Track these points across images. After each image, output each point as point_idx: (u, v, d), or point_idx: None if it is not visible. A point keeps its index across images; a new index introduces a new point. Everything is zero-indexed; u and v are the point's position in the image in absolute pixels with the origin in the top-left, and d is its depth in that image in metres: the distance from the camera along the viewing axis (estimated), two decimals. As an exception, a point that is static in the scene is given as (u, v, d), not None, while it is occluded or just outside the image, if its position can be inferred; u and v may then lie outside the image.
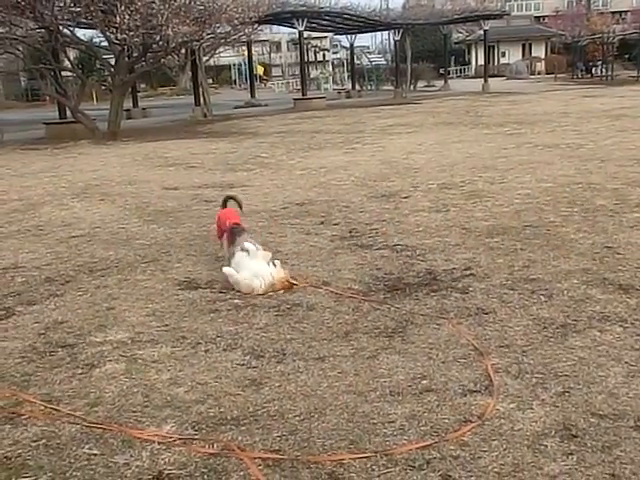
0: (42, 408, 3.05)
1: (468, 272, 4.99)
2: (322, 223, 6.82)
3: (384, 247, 5.79)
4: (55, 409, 3.05)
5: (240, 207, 5.91)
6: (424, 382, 3.26)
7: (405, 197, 7.92)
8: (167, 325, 4.10)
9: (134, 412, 3.02)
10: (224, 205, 5.87)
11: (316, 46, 64.69)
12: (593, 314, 4.03)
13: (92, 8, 16.72)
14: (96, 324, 4.16)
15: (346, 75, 53.56)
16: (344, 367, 3.47)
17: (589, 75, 50.83)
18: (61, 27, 17.95)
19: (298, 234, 6.41)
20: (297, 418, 2.96)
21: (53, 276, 5.30)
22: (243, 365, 3.51)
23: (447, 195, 7.91)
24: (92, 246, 6.26)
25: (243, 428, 2.87)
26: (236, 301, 4.54)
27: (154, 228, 6.88)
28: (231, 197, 6.02)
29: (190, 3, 17.02)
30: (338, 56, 66.33)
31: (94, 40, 25.71)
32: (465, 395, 3.12)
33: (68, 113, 20.01)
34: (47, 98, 36.35)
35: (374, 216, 7.01)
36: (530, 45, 67.07)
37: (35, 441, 2.80)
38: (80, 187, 9.86)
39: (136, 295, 4.72)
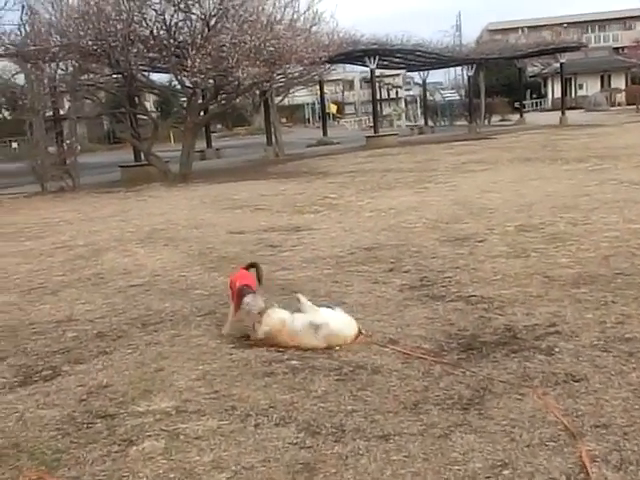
0: (68, 496, 2.72)
1: (553, 329, 4.45)
2: (391, 270, 6.39)
3: (458, 298, 5.30)
4: (82, 498, 2.72)
5: (259, 280, 5.11)
6: (505, 472, 2.77)
7: (480, 241, 7.40)
8: (217, 392, 3.74)
9: (168, 504, 2.65)
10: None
11: (389, 83, 64.85)
12: None
13: (165, 53, 17.03)
14: (141, 389, 3.84)
15: (419, 111, 53.20)
16: (411, 449, 3.01)
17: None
18: (136, 72, 18.34)
19: (365, 283, 5.99)
20: (354, 517, 2.52)
21: (105, 331, 5.05)
22: (296, 444, 3.09)
23: (526, 238, 7.34)
24: (149, 297, 6.01)
25: (290, 530, 2.46)
26: (294, 362, 4.14)
27: (215, 276, 6.59)
28: (253, 265, 5.23)
29: (260, 45, 17.07)
30: (411, 93, 66.18)
31: (171, 84, 26.31)
32: (556, 492, 2.61)
33: (143, 155, 20.38)
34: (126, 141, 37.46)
35: (447, 262, 6.52)
36: (609, 76, 65.19)
37: (54, 539, 2.47)
38: (146, 232, 9.76)
39: (187, 354, 4.40)
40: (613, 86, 64.06)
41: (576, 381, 3.63)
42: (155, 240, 9.02)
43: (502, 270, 6.04)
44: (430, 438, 3.11)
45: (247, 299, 4.52)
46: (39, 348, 4.77)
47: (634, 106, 47.97)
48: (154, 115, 22.01)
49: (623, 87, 63.25)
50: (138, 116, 21.32)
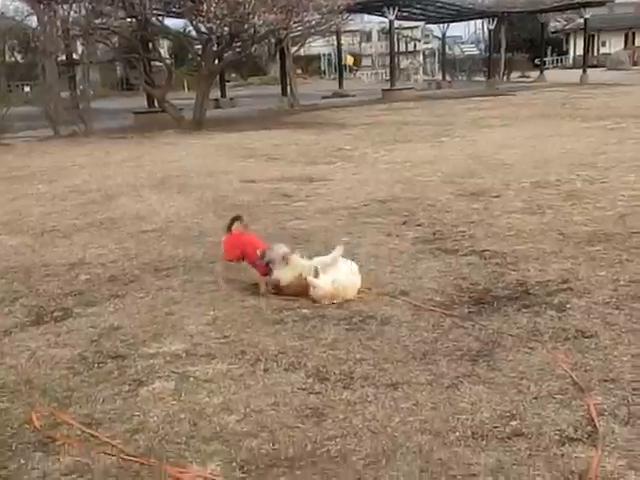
0: (79, 433, 2.74)
1: (565, 286, 4.42)
2: (404, 223, 6.35)
3: (471, 253, 5.26)
4: (93, 435, 2.75)
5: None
6: (513, 423, 2.78)
7: (495, 196, 7.32)
8: (227, 337, 3.76)
9: (178, 444, 2.68)
10: (230, 227, 4.92)
11: (407, 36, 63.53)
12: None
13: (181, -3, 16.72)
14: (152, 332, 3.86)
15: (437, 66, 52.27)
16: (419, 398, 3.02)
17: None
18: (150, 16, 18.04)
19: (378, 235, 5.96)
20: (362, 462, 2.54)
21: (117, 275, 5.07)
22: (305, 390, 3.11)
23: (542, 195, 7.26)
24: (162, 242, 6.02)
25: (298, 472, 2.48)
26: (304, 311, 4.15)
27: (228, 224, 6.57)
28: (237, 218, 4.95)
29: (278, -9, 16.72)
30: (429, 46, 64.91)
31: (186, 30, 25.92)
32: (563, 444, 2.61)
33: (156, 102, 20.20)
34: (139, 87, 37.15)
35: (461, 217, 6.47)
36: (634, 34, 63.61)
37: (65, 474, 2.50)
38: (159, 178, 9.72)
39: (199, 300, 4.41)
40: (637, 44, 62.56)
41: (586, 337, 3.62)
42: (168, 187, 9.00)
43: (517, 226, 5.98)
44: (439, 388, 3.11)
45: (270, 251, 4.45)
46: (51, 290, 4.80)
47: (657, 65, 46.96)
48: (168, 62, 21.69)
49: (647, 45, 61.77)
50: (152, 63, 21.06)
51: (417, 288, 4.51)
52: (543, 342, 3.57)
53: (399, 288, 4.50)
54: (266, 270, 4.45)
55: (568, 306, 4.06)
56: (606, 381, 3.10)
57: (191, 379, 3.24)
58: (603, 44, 63.35)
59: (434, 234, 5.89)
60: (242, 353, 3.53)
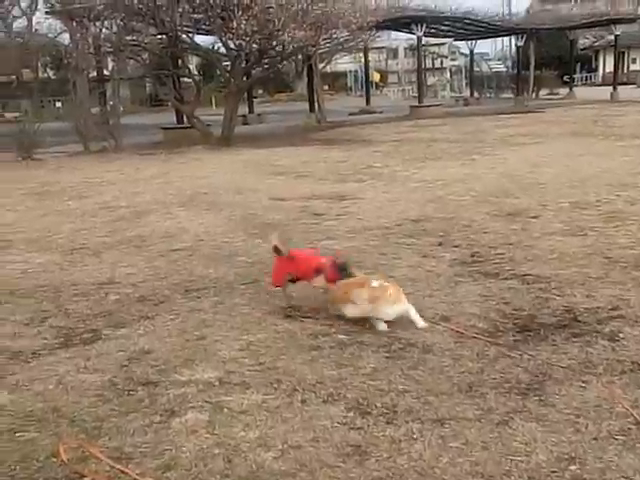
0: (108, 468, 2.59)
1: (616, 313, 4.20)
2: (440, 244, 6.15)
3: (512, 277, 5.05)
4: (123, 471, 2.59)
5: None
6: (572, 467, 2.57)
7: (533, 217, 7.10)
8: (261, 364, 3.59)
9: (212, 483, 2.51)
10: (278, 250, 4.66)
11: (434, 52, 63.45)
12: None
13: (211, 14, 16.77)
14: (184, 357, 3.71)
15: (464, 82, 52.06)
16: (469, 436, 2.82)
17: None
18: (181, 33, 18.14)
19: (413, 256, 5.77)
20: (410, 508, 2.35)
21: (147, 295, 4.94)
22: (345, 425, 2.93)
23: (582, 216, 7.03)
24: (192, 262, 5.89)
25: (341, 518, 2.30)
26: (341, 336, 3.97)
27: (259, 243, 6.43)
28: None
29: (307, 8, 16.70)
30: (457, 63, 64.73)
31: (215, 47, 26.06)
32: (630, 494, 2.40)
33: (185, 118, 20.26)
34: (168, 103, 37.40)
35: (499, 238, 6.26)
36: (664, 51, 62.87)
37: (92, 516, 2.35)
38: (188, 195, 9.64)
39: (231, 323, 4.25)
40: (668, 62, 61.78)
41: (644, 371, 3.39)
42: (197, 204, 8.90)
43: (559, 248, 5.76)
44: (488, 424, 2.92)
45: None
46: (80, 310, 4.69)
47: (689, 83, 46.31)
48: (197, 78, 21.76)
49: (678, 63, 60.97)
50: (181, 79, 21.16)
51: (458, 313, 4.31)
52: (597, 375, 3.35)
53: (439, 313, 4.31)
54: (336, 277, 4.29)
55: (621, 335, 3.84)
56: (670, 421, 2.89)
57: (225, 410, 3.07)
58: (633, 61, 62.69)
59: (472, 256, 5.69)
60: (278, 382, 3.36)
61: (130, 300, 4.85)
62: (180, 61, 20.05)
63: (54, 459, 2.72)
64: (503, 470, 2.57)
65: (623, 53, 58.27)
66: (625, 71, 59.62)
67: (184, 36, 18.86)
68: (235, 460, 2.66)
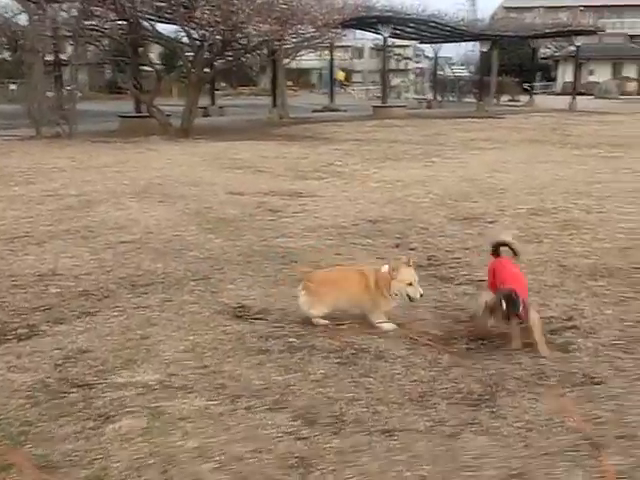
0: (32, 479, 2.40)
1: (570, 324, 4.15)
2: (397, 246, 6.06)
3: (468, 282, 4.99)
4: (47, 481, 2.41)
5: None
6: (522, 485, 2.48)
7: (490, 222, 7.07)
8: (206, 367, 3.42)
9: (143, 497, 2.35)
10: (495, 252, 4.31)
11: (399, 54, 63.75)
12: None
13: (173, 2, 16.44)
14: (124, 358, 3.52)
15: (427, 85, 52.37)
16: (418, 448, 2.72)
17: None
18: (142, 20, 17.74)
19: (369, 257, 5.66)
20: (353, 527, 2.22)
21: (91, 289, 4.72)
22: (291, 434, 2.79)
23: (538, 223, 7.01)
24: (140, 255, 5.67)
25: (280, 538, 2.16)
26: (291, 340, 3.83)
27: (211, 238, 6.26)
28: (504, 244, 4.32)
29: (273, 2, 16.50)
30: (420, 65, 65.16)
31: (177, 36, 25.62)
32: (579, 513, 2.32)
33: (144, 107, 19.85)
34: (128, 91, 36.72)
35: (456, 242, 6.20)
36: (621, 64, 64.29)
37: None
38: (142, 186, 9.37)
39: (177, 322, 4.07)
40: (624, 75, 63.18)
41: (596, 384, 3.35)
42: (150, 195, 8.65)
43: (514, 255, 5.70)
44: (438, 437, 2.81)
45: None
46: (18, 303, 4.45)
47: (645, 96, 47.33)
48: (158, 67, 21.35)
49: (634, 76, 62.38)
50: (141, 67, 20.73)
51: (412, 319, 4.21)
52: (549, 387, 3.28)
53: (393, 318, 4.20)
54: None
55: (574, 347, 3.79)
56: (621, 437, 2.82)
57: (164, 416, 2.90)
58: (591, 72, 63.94)
59: (428, 259, 5.61)
60: (222, 387, 3.20)
61: (72, 294, 4.62)
62: (141, 49, 19.62)
63: (-27, 466, 2.52)
64: (452, 486, 2.46)
65: (581, 64, 59.36)
66: (583, 82, 60.77)
67: (145, 23, 18.45)
68: (171, 471, 2.49)
